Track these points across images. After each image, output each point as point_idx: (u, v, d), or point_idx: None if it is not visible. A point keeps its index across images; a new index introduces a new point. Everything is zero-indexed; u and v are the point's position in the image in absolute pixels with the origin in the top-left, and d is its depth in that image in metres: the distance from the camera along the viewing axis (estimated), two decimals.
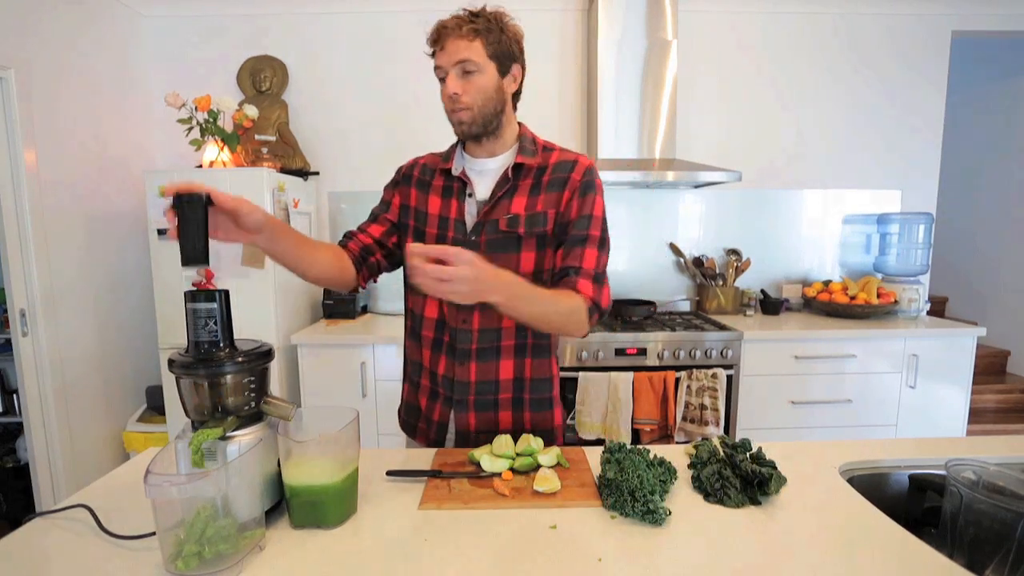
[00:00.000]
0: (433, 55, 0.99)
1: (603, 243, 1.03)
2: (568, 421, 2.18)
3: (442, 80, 0.99)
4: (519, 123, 1.10)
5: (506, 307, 0.88)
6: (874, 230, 2.83)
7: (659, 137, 2.49)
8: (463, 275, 0.76)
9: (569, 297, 0.97)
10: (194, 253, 0.76)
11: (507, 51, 0.99)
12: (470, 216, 1.06)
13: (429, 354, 1.11)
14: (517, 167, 1.04)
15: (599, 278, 1.01)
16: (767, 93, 2.76)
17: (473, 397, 1.07)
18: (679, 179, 2.36)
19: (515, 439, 1.02)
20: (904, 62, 2.77)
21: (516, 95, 1.07)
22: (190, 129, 2.16)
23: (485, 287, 0.81)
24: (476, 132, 1.02)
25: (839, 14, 2.72)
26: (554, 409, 1.12)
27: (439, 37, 0.97)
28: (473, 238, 1.04)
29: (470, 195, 1.07)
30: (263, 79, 2.60)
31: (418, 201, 1.11)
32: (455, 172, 1.07)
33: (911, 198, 2.85)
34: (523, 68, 1.05)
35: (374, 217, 1.16)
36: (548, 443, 1.09)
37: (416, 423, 1.17)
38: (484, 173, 1.07)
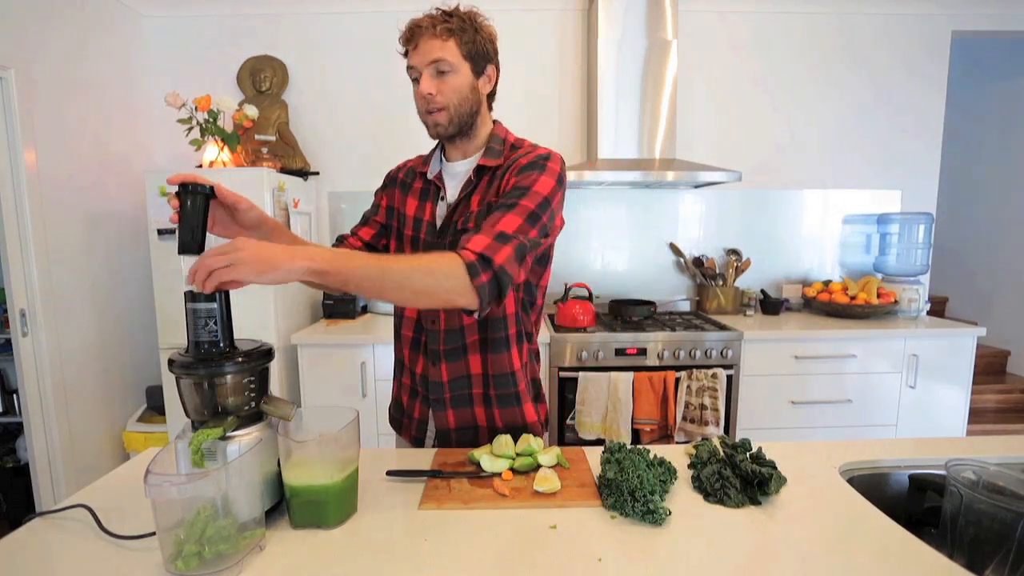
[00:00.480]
0: (406, 55, 0.98)
1: (534, 218, 0.90)
2: (568, 421, 2.18)
3: (415, 80, 0.98)
4: (494, 121, 1.09)
5: (336, 274, 0.75)
6: (874, 230, 2.83)
7: (659, 137, 2.49)
8: (227, 247, 0.68)
9: (438, 256, 0.84)
10: (190, 243, 0.78)
11: (481, 51, 0.98)
12: (440, 219, 1.06)
13: (409, 353, 1.13)
14: (479, 169, 1.03)
15: (503, 237, 0.86)
16: (767, 93, 2.76)
17: (448, 395, 1.08)
18: (679, 179, 2.36)
19: (492, 436, 1.04)
20: (904, 62, 2.77)
21: (491, 96, 1.06)
22: (190, 129, 2.16)
23: (274, 251, 0.70)
24: (451, 133, 1.01)
25: (839, 14, 2.72)
26: (523, 405, 1.09)
27: (412, 36, 0.96)
28: (439, 240, 1.04)
29: (442, 198, 1.07)
30: (263, 79, 2.60)
31: (399, 203, 1.13)
32: (430, 176, 1.08)
33: (911, 198, 2.85)
34: (498, 69, 1.04)
35: (365, 220, 1.18)
36: None
37: (401, 419, 1.18)
38: (455, 175, 1.08)
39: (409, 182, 1.13)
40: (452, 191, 1.07)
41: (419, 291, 0.81)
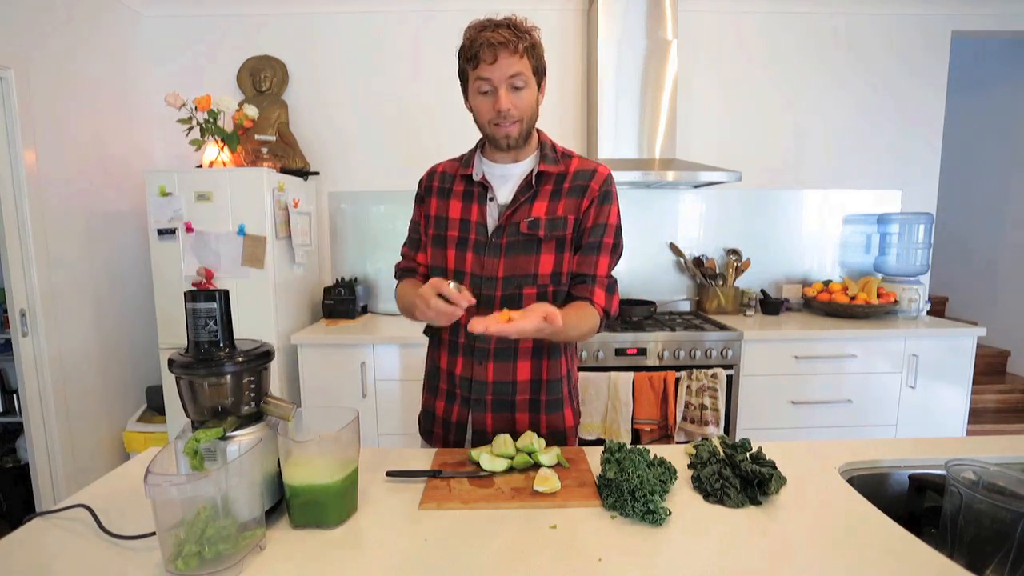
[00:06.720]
0: (474, 68, 0.98)
1: (615, 249, 1.10)
2: None
3: (483, 93, 1.00)
4: (537, 129, 1.12)
5: (552, 336, 0.97)
6: (874, 230, 2.83)
7: (659, 137, 2.49)
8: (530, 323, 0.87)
9: (591, 317, 1.05)
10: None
11: (543, 65, 1.03)
12: (491, 219, 1.08)
13: (447, 356, 1.13)
14: (540, 174, 1.06)
15: (611, 287, 1.10)
16: (767, 93, 2.76)
17: (491, 397, 1.09)
18: (679, 179, 2.36)
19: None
20: (904, 62, 2.76)
21: None
22: (190, 129, 2.15)
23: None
24: (519, 145, 1.05)
25: (839, 14, 2.72)
26: (565, 410, 1.13)
27: (489, 52, 0.95)
28: (495, 240, 1.06)
29: (491, 199, 1.08)
30: (263, 79, 2.60)
31: (439, 209, 1.13)
32: (476, 177, 1.09)
33: (911, 198, 2.85)
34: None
35: (417, 244, 1.19)
36: (560, 445, 1.10)
37: (432, 428, 1.18)
38: (506, 178, 1.09)
39: (448, 186, 1.13)
40: (504, 193, 1.08)
41: (583, 334, 1.06)
